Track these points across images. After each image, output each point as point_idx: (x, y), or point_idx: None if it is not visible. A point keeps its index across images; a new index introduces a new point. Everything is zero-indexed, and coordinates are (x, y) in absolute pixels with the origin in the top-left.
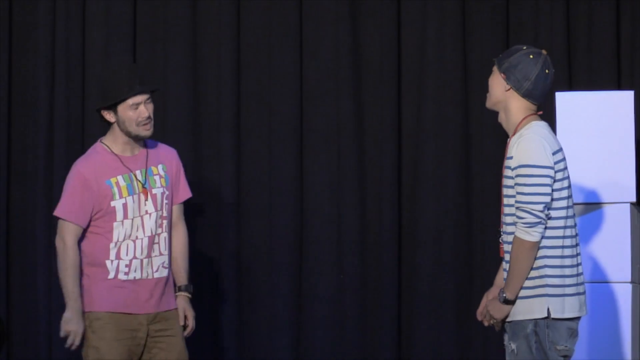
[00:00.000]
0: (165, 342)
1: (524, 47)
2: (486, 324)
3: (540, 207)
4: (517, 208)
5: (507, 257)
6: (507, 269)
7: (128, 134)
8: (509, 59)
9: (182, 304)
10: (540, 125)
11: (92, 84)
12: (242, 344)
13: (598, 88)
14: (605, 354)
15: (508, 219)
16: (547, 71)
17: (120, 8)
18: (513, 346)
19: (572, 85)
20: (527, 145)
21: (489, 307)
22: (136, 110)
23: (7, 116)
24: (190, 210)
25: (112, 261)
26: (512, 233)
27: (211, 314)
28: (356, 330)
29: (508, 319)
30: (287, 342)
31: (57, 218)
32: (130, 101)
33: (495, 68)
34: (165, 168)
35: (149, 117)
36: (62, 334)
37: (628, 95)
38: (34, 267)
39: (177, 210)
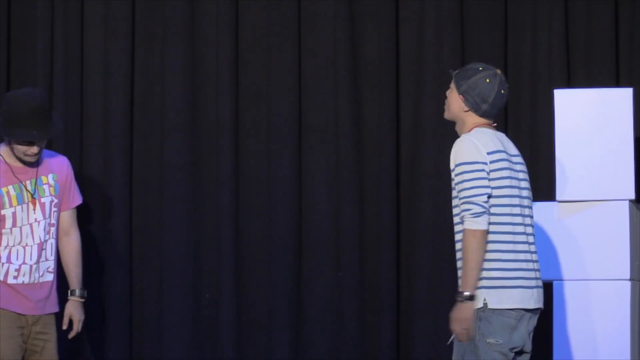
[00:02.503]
0: (40, 345)
1: (480, 68)
2: (459, 337)
3: (484, 197)
4: (462, 203)
5: (458, 254)
6: (461, 267)
7: (15, 155)
8: (468, 81)
9: (70, 308)
10: (481, 131)
11: (91, 84)
12: (241, 341)
13: (596, 85)
14: (604, 352)
15: (456, 219)
16: (502, 92)
17: (119, 7)
18: (453, 336)
19: (570, 82)
20: (459, 146)
21: (452, 315)
22: (26, 147)
23: None
24: (188, 208)
25: (2, 264)
26: (461, 232)
27: (210, 312)
28: (355, 328)
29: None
30: (285, 340)
31: None
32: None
33: (453, 85)
34: (55, 177)
35: (36, 154)
36: None
37: (627, 93)
38: None
39: (69, 217)
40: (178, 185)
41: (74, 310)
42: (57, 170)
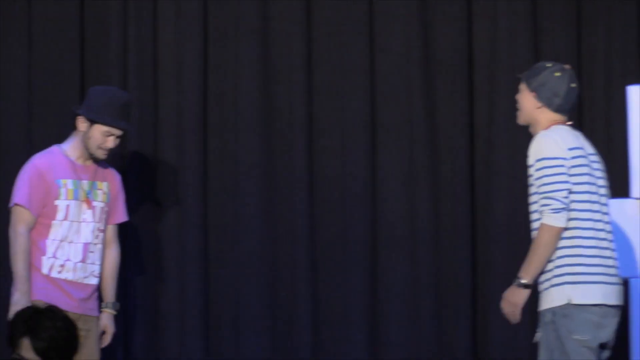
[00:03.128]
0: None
1: (548, 65)
2: (506, 312)
3: (564, 193)
4: (542, 198)
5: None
6: (528, 253)
7: (86, 148)
8: (538, 77)
9: (105, 320)
10: (559, 127)
11: (164, 82)
12: (317, 340)
13: None
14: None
15: (535, 215)
16: (572, 85)
17: (191, 5)
18: (538, 337)
19: None
20: (539, 141)
21: (504, 295)
22: (105, 138)
23: None
24: (263, 206)
25: (48, 258)
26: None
27: (286, 310)
28: (431, 326)
29: (538, 309)
30: (362, 338)
31: (13, 206)
32: (106, 128)
33: (523, 86)
34: (108, 186)
35: (109, 150)
36: (10, 315)
37: None
38: None
39: (112, 231)
40: (252, 183)
41: (109, 322)
42: (110, 181)
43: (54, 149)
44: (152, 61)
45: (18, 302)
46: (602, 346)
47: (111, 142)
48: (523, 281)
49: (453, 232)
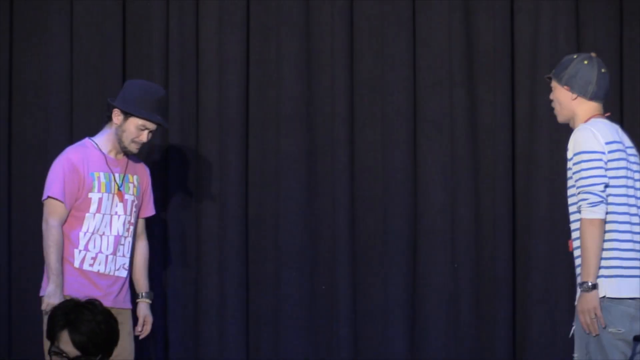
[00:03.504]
0: None
1: (575, 56)
2: (586, 328)
3: (601, 187)
4: (579, 192)
5: (576, 243)
6: (580, 255)
7: (119, 142)
8: (567, 70)
9: (144, 310)
10: (598, 120)
11: (206, 75)
12: (356, 333)
13: None
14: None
15: (573, 208)
16: (603, 70)
17: (233, 0)
18: (573, 329)
19: None
20: (578, 135)
21: (578, 307)
22: (140, 132)
23: None
24: (304, 199)
25: (80, 251)
26: (578, 221)
27: (326, 303)
28: (470, 319)
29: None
30: (401, 332)
31: (47, 199)
32: (142, 121)
33: (554, 84)
34: (139, 180)
35: (143, 144)
36: (44, 307)
37: None
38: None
39: (141, 224)
40: (293, 175)
41: (147, 311)
42: (140, 174)
43: (87, 142)
44: (194, 55)
45: (51, 295)
46: (637, 339)
47: (145, 136)
48: (589, 283)
49: (493, 225)
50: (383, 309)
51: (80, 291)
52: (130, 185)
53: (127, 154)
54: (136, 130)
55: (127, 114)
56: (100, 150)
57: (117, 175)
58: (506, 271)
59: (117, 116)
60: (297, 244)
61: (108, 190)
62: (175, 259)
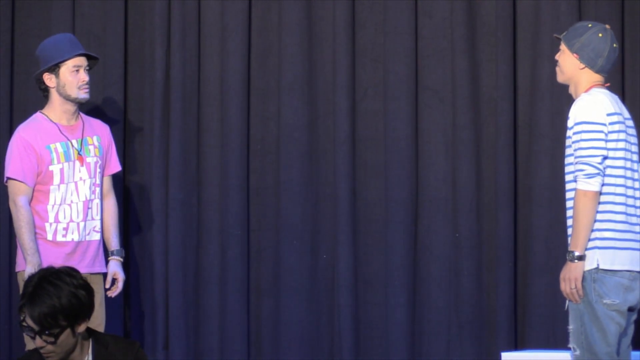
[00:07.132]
0: None
1: (590, 25)
2: (566, 296)
3: (599, 159)
4: (577, 162)
5: (569, 213)
6: (572, 225)
7: (67, 97)
8: (580, 38)
9: (114, 267)
10: (599, 91)
11: (208, 44)
12: (358, 302)
13: None
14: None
15: (569, 177)
16: (615, 45)
17: None
18: (568, 301)
19: None
20: (580, 105)
21: (561, 275)
22: (77, 74)
23: (123, 76)
24: (305, 168)
25: (50, 224)
26: (573, 190)
27: (327, 272)
28: (471, 288)
29: None
30: (402, 300)
31: (7, 181)
32: (71, 63)
33: (564, 47)
34: (99, 139)
35: (87, 83)
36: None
37: None
38: (150, 224)
39: (107, 182)
40: (295, 145)
41: (118, 269)
42: (100, 134)
43: (38, 115)
44: (195, 23)
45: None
46: (631, 309)
47: (84, 75)
48: (576, 253)
49: (495, 194)
50: (384, 278)
51: (57, 264)
52: (91, 147)
53: (81, 102)
54: (72, 75)
55: (54, 68)
56: (52, 121)
57: (74, 141)
58: (507, 240)
59: (48, 79)
60: (299, 213)
61: (68, 159)
62: (176, 227)
